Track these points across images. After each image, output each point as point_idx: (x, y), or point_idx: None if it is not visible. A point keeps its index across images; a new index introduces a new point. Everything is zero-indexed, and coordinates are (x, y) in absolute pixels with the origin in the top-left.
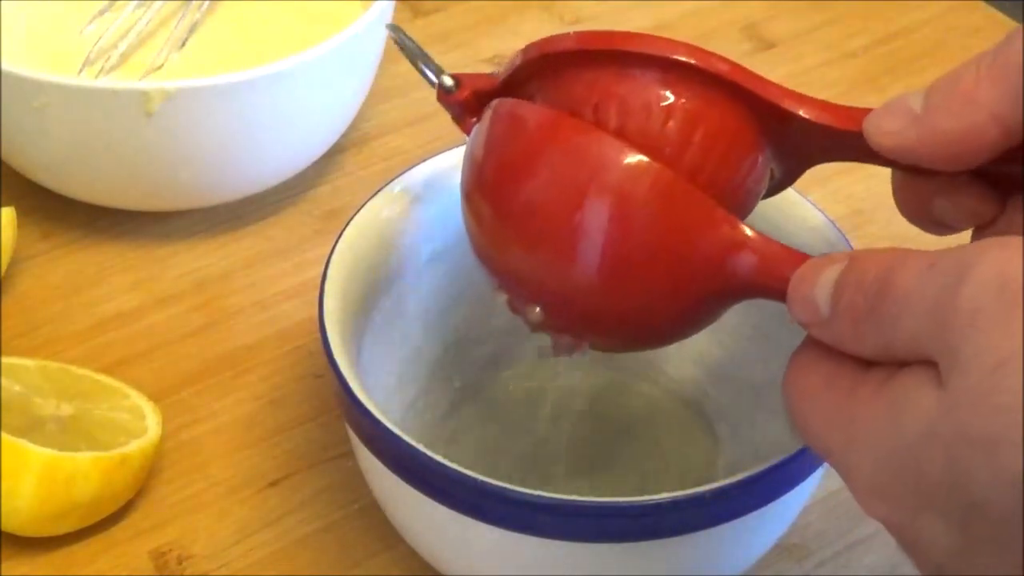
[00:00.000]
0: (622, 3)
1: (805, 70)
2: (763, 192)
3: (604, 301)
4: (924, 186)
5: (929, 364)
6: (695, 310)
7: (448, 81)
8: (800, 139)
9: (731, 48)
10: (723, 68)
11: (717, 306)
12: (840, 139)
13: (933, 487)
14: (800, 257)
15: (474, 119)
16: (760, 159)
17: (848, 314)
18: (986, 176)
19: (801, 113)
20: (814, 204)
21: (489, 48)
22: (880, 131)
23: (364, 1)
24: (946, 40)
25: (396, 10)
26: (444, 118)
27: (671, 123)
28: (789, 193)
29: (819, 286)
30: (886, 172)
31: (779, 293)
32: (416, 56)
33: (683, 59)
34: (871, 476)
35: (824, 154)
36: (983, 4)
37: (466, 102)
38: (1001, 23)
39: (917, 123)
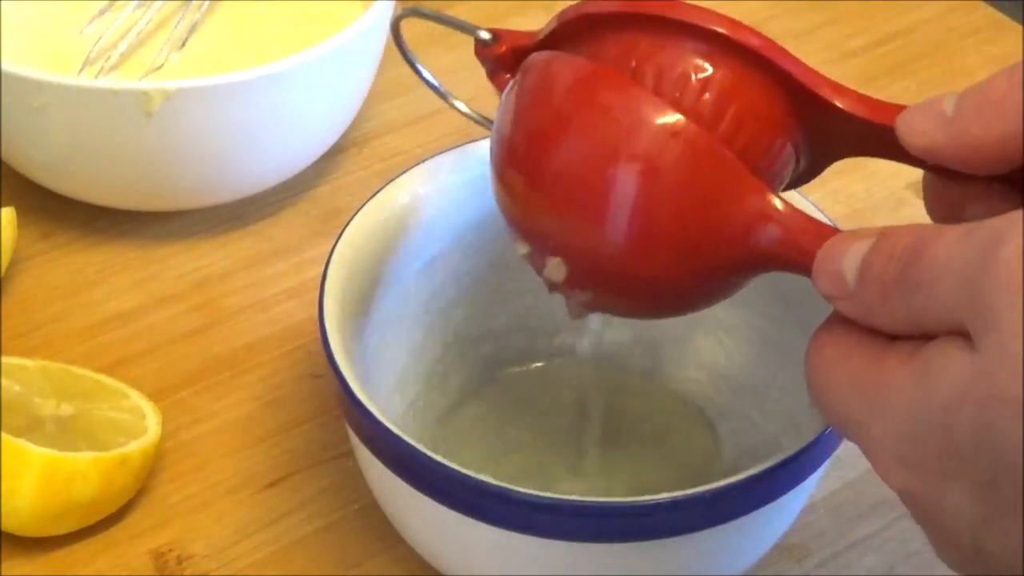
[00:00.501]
0: None
1: None
2: (787, 179)
3: (628, 258)
4: (957, 191)
5: (959, 334)
6: (716, 276)
7: (485, 35)
8: (832, 129)
9: None
10: (763, 45)
11: (738, 275)
12: (872, 133)
13: (961, 451)
14: (828, 231)
15: (508, 75)
16: (789, 144)
17: (876, 285)
18: (1020, 184)
19: (837, 103)
20: (814, 204)
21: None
22: (912, 130)
23: (364, 1)
24: (946, 40)
25: (396, 10)
26: (444, 118)
27: (707, 94)
28: (790, 194)
29: (847, 258)
30: (886, 172)
31: (802, 266)
32: (448, 22)
33: (723, 31)
34: (896, 444)
35: (853, 147)
36: (983, 4)
37: (503, 57)
38: (1001, 23)
39: (948, 126)
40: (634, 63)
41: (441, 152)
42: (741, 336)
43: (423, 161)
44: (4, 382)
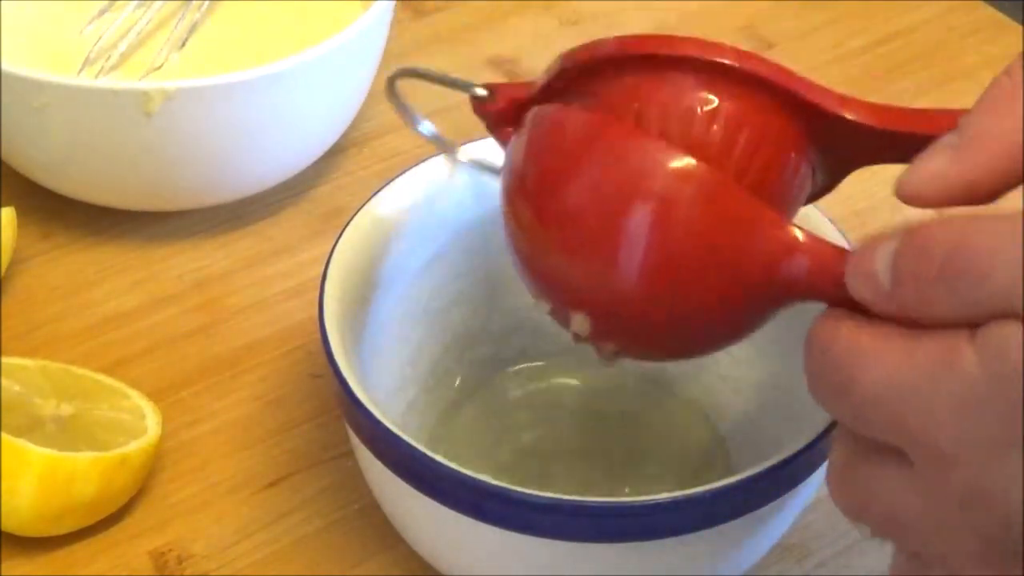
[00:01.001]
0: (622, 3)
1: (805, 70)
2: (806, 197)
3: (651, 307)
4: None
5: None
6: (743, 315)
7: (481, 92)
8: (844, 141)
9: None
10: (767, 71)
11: (765, 310)
12: (885, 140)
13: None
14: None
15: (510, 128)
16: (804, 163)
17: (912, 281)
18: None
19: (846, 115)
20: (814, 205)
21: (489, 48)
22: (919, 180)
23: (364, 1)
24: (946, 40)
25: (396, 10)
26: (444, 118)
27: (715, 127)
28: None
29: (878, 258)
30: (886, 172)
31: (831, 295)
32: (443, 81)
33: (726, 62)
34: (957, 419)
35: (868, 156)
36: (983, 4)
37: (502, 112)
38: (1001, 23)
39: (956, 152)
40: (637, 105)
41: (441, 153)
42: None
43: (423, 161)
44: (4, 382)
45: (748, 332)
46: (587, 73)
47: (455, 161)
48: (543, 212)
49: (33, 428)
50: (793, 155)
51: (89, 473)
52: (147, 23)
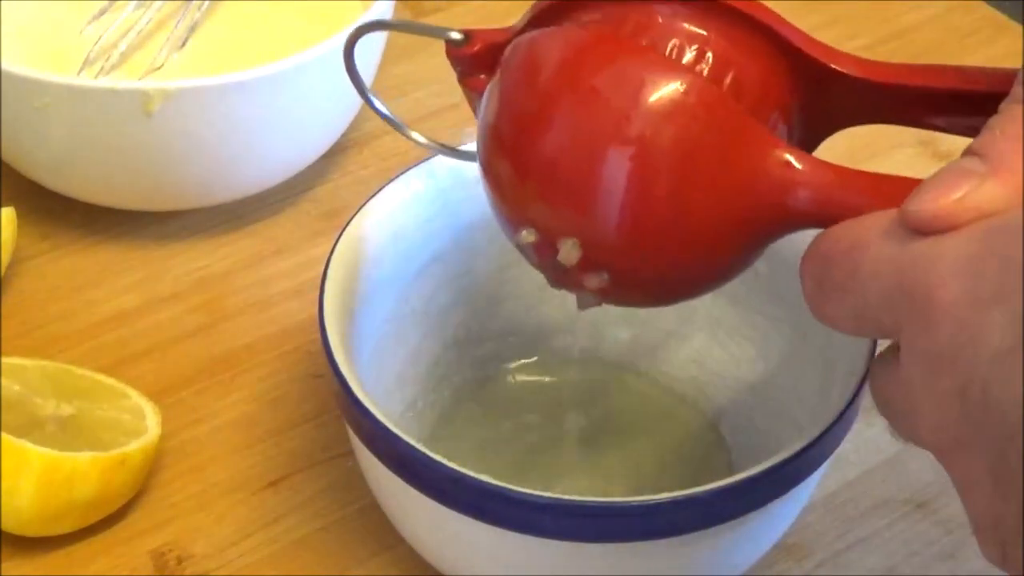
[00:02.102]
0: None
1: None
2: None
3: (646, 228)
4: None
5: None
6: (737, 243)
7: (456, 35)
8: (830, 95)
9: None
10: (758, 12)
11: (758, 239)
12: (870, 95)
13: (1018, 274)
14: (851, 174)
15: (483, 76)
16: (787, 111)
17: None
18: None
19: (835, 66)
20: None
21: None
22: (939, 205)
23: (364, 1)
24: (946, 40)
25: (396, 10)
26: (444, 118)
27: (702, 63)
28: None
29: (963, 163)
30: (886, 165)
31: (834, 217)
32: (414, 30)
33: None
34: (966, 252)
35: (851, 114)
36: (983, 4)
37: (477, 56)
38: (1001, 23)
39: (988, 178)
40: (628, 32)
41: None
42: (741, 336)
43: (423, 161)
44: (4, 382)
45: (738, 269)
46: (571, 10)
47: (408, 138)
48: (535, 134)
49: (33, 428)
50: (778, 101)
51: (89, 473)
52: (147, 23)
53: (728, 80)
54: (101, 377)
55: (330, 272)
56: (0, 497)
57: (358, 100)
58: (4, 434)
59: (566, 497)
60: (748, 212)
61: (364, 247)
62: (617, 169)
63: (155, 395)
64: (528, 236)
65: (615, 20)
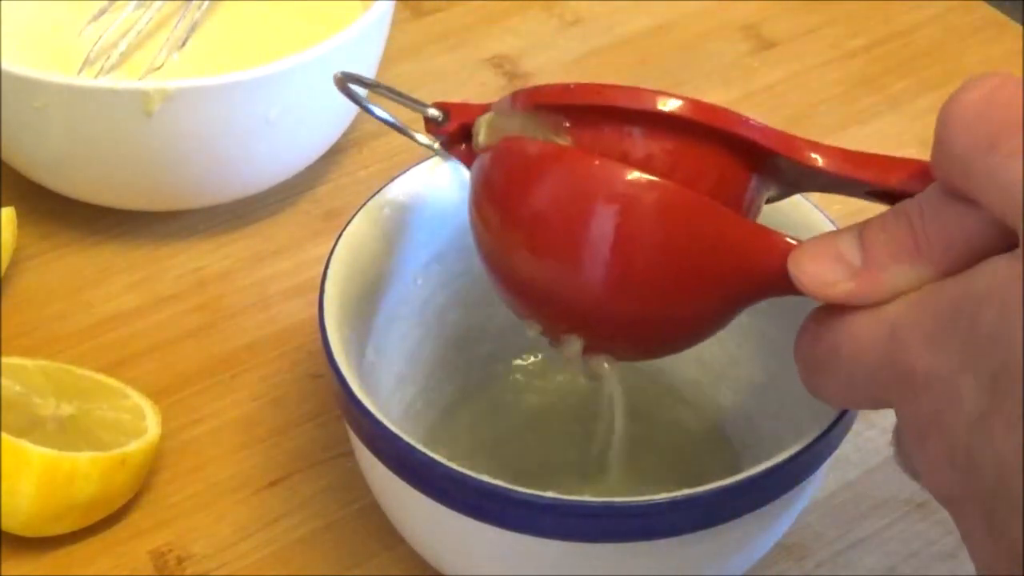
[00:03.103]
0: (622, 3)
1: (805, 70)
2: (759, 213)
3: (641, 323)
4: None
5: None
6: (726, 312)
7: (435, 113)
8: (792, 175)
9: (730, 48)
10: (715, 117)
11: (743, 306)
12: (831, 178)
13: (980, 342)
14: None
15: (463, 146)
16: (752, 187)
17: (895, 238)
18: None
19: (805, 161)
20: (815, 204)
21: (489, 48)
22: (813, 281)
23: (364, 1)
24: (946, 40)
25: (396, 10)
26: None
27: (676, 169)
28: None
29: (841, 241)
30: None
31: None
32: (397, 97)
33: (667, 111)
34: (932, 322)
35: (824, 187)
36: (983, 4)
37: (455, 133)
38: (1001, 23)
39: (858, 277)
40: (604, 150)
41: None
42: (741, 335)
43: (423, 161)
44: (4, 382)
45: (728, 322)
46: (541, 110)
47: (414, 141)
48: (525, 241)
49: (33, 428)
50: (741, 181)
51: (89, 473)
52: (147, 23)
53: (704, 182)
54: (101, 377)
55: (330, 272)
56: (0, 497)
57: None
58: (4, 434)
59: (566, 497)
60: (733, 292)
61: (364, 247)
62: (606, 280)
63: (155, 395)
64: (532, 328)
65: (589, 138)
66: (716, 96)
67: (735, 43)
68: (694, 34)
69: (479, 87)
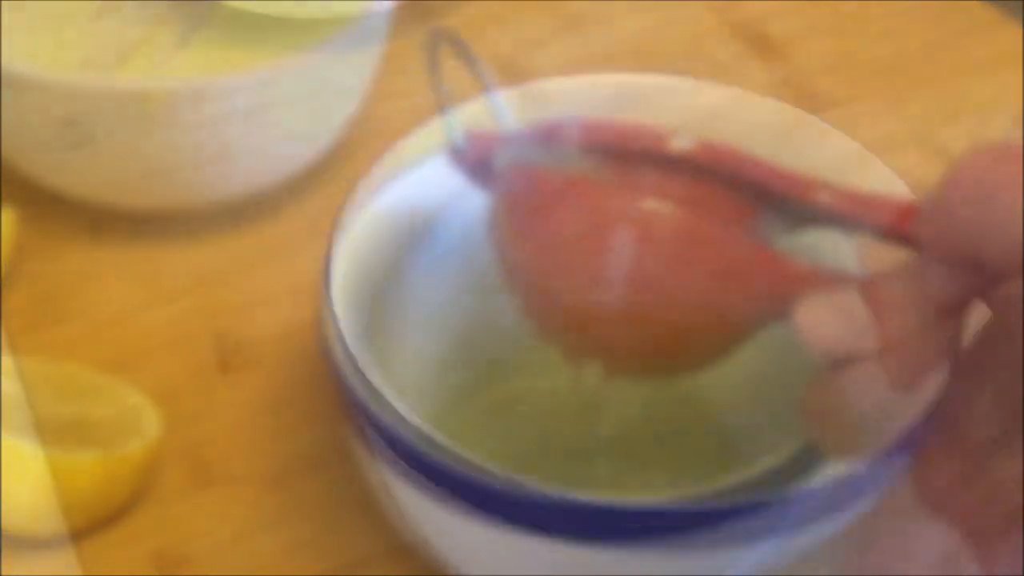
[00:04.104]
0: (622, 3)
1: (805, 70)
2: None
3: (660, 352)
4: None
5: None
6: (744, 337)
7: (460, 142)
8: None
9: (728, 49)
10: (721, 158)
11: (762, 326)
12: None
13: None
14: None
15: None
16: (761, 219)
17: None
18: None
19: (814, 199)
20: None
21: (489, 48)
22: (818, 335)
23: (364, 1)
24: (946, 40)
25: (396, 10)
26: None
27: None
28: None
29: (842, 297)
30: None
31: None
32: (472, 66)
33: (676, 152)
34: None
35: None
36: (983, 4)
37: (472, 167)
38: (1001, 23)
39: (867, 333)
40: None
41: (441, 152)
42: None
43: (423, 161)
44: (4, 382)
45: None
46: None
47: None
48: (543, 296)
49: (33, 428)
50: (747, 216)
51: (89, 473)
52: (147, 23)
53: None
54: (101, 377)
55: (331, 272)
56: (0, 497)
57: (358, 100)
58: (4, 434)
59: (567, 497)
60: (748, 317)
61: (365, 247)
62: (628, 315)
63: (155, 395)
64: (554, 351)
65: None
66: (715, 96)
67: (732, 44)
68: (693, 34)
69: (479, 87)
